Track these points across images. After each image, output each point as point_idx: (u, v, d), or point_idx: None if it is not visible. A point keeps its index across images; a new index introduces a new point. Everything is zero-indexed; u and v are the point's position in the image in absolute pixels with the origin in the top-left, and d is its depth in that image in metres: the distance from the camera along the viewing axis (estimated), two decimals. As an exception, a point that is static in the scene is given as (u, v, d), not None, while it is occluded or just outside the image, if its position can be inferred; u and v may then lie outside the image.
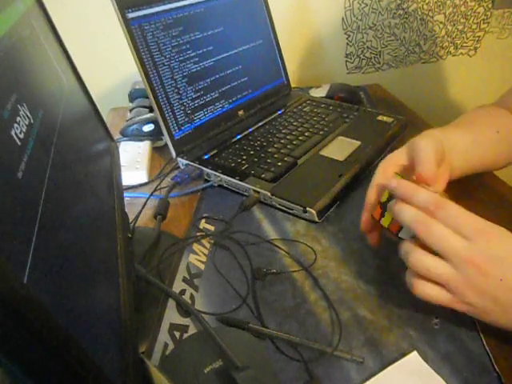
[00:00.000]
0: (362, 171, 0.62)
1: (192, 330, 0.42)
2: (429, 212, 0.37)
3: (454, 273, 0.35)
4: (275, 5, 0.85)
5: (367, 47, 1.09)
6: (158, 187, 0.64)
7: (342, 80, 0.99)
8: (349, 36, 1.06)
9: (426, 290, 0.37)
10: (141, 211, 0.58)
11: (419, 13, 1.07)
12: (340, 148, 0.67)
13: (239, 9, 0.78)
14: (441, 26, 1.10)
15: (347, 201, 0.58)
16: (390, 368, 0.37)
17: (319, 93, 0.90)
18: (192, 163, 0.65)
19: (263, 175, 0.60)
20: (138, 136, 0.75)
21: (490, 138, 0.55)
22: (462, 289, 0.35)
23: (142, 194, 0.63)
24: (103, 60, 0.94)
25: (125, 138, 0.75)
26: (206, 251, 0.52)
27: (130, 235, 0.47)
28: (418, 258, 0.37)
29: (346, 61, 1.10)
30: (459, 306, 0.36)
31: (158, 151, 0.76)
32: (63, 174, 0.30)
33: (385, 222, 0.42)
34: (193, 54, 0.69)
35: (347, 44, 1.07)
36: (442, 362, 0.38)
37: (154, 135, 0.75)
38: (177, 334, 0.42)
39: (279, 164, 0.63)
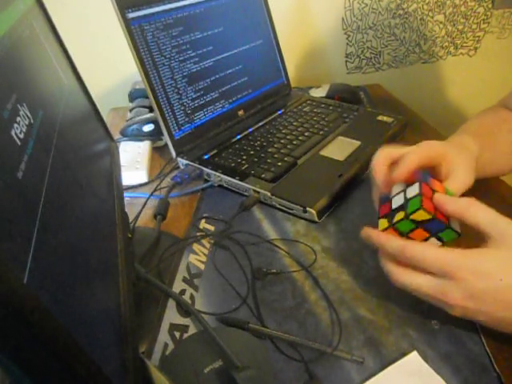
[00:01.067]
0: (361, 171, 0.62)
1: (192, 330, 0.42)
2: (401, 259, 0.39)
3: (441, 304, 0.38)
4: (275, 5, 0.85)
5: (367, 47, 1.09)
6: (158, 187, 0.64)
7: (342, 80, 0.99)
8: (349, 36, 1.06)
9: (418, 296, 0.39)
10: (141, 211, 0.58)
11: (419, 13, 1.06)
12: (340, 148, 0.67)
13: (239, 9, 0.78)
14: (441, 25, 1.10)
15: (347, 201, 0.58)
16: (390, 368, 0.37)
17: (319, 93, 0.90)
18: (192, 163, 0.65)
19: (263, 175, 0.60)
20: (138, 136, 0.75)
21: (505, 150, 0.56)
22: (452, 313, 0.38)
23: (141, 194, 0.63)
24: (103, 60, 0.94)
25: (125, 138, 0.75)
26: (206, 251, 0.52)
27: (130, 235, 0.47)
28: (402, 284, 0.39)
29: (346, 61, 1.10)
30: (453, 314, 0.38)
31: (158, 151, 0.76)
32: (63, 174, 0.30)
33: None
34: (193, 54, 0.69)
35: (347, 44, 1.07)
36: (442, 362, 0.38)
37: (154, 135, 0.75)
38: (177, 334, 0.42)
39: (279, 164, 0.63)
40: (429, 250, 0.37)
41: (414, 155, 0.43)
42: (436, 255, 0.36)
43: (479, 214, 0.37)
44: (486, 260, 0.36)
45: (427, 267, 0.37)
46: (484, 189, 0.60)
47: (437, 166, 0.45)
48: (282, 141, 0.69)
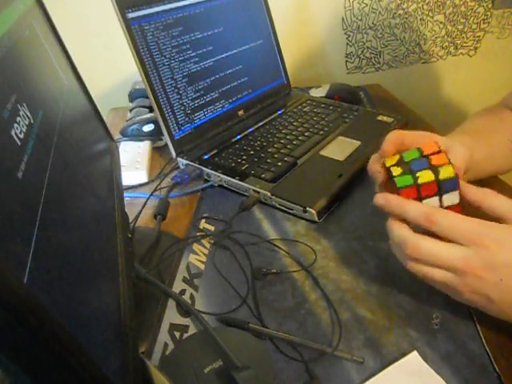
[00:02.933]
0: (361, 171, 0.62)
1: (192, 330, 0.42)
2: (422, 225, 0.37)
3: (452, 277, 0.36)
4: (275, 5, 0.85)
5: (367, 47, 1.09)
6: (158, 187, 0.64)
7: (342, 80, 0.99)
8: (349, 36, 1.06)
9: (433, 285, 0.39)
10: (141, 211, 0.58)
11: (419, 13, 1.06)
12: (340, 148, 0.67)
13: (239, 9, 0.78)
14: (441, 25, 1.10)
15: (347, 201, 0.58)
16: (390, 368, 0.37)
17: (319, 93, 0.90)
18: (192, 163, 0.65)
19: (263, 175, 0.60)
20: (138, 136, 0.75)
21: (503, 149, 0.56)
22: (460, 289, 0.37)
23: (141, 194, 0.63)
24: (103, 60, 0.94)
25: (125, 138, 0.75)
26: (206, 251, 0.52)
27: (130, 235, 0.47)
28: (416, 269, 0.38)
29: (346, 61, 1.10)
30: (460, 300, 0.38)
31: (158, 151, 0.76)
32: (63, 173, 0.30)
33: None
34: (193, 54, 0.69)
35: (347, 44, 1.07)
36: (442, 362, 0.38)
37: (154, 135, 0.75)
38: (177, 334, 0.42)
39: (279, 164, 0.63)
40: (455, 216, 0.36)
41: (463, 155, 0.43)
42: (462, 221, 0.36)
43: (496, 202, 0.37)
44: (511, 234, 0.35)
45: (452, 233, 0.35)
46: (477, 183, 0.60)
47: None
48: (282, 141, 0.69)
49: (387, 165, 0.40)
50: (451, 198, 0.38)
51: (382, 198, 0.40)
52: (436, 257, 0.36)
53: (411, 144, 0.43)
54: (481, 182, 0.60)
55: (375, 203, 0.40)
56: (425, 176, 0.38)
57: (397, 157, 0.40)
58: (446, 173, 0.37)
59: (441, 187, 0.37)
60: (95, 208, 0.36)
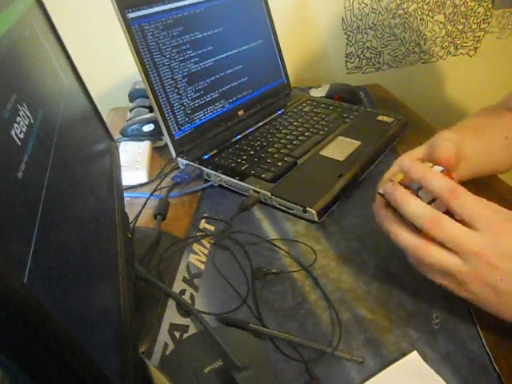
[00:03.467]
0: (361, 171, 0.62)
1: (192, 330, 0.42)
2: (443, 198, 0.36)
3: (462, 265, 0.35)
4: (275, 5, 0.85)
5: (367, 47, 1.09)
6: (158, 187, 0.64)
7: (342, 80, 0.99)
8: (349, 36, 1.06)
9: (433, 277, 0.38)
10: (141, 211, 0.58)
11: (419, 13, 1.06)
12: (340, 148, 0.67)
13: (239, 9, 0.78)
14: (441, 25, 1.10)
15: (347, 201, 0.58)
16: (390, 368, 0.37)
17: (319, 93, 0.90)
18: (192, 163, 0.65)
19: (263, 175, 0.60)
20: (138, 136, 0.75)
21: (499, 145, 0.55)
22: (468, 279, 0.35)
23: (141, 194, 0.63)
24: (103, 60, 0.94)
25: (125, 138, 0.75)
26: (206, 251, 0.52)
27: (130, 235, 0.47)
28: (426, 253, 0.37)
29: (346, 61, 1.10)
30: (462, 293, 0.37)
31: (158, 151, 0.76)
32: (63, 173, 0.30)
33: None
34: (193, 54, 0.69)
35: (347, 44, 1.07)
36: (442, 362, 0.38)
37: (154, 135, 0.75)
38: (177, 334, 0.42)
39: (279, 164, 0.63)
40: (477, 199, 0.35)
41: (449, 143, 0.44)
42: (485, 206, 0.35)
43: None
44: None
45: (472, 215, 0.35)
46: (483, 188, 0.60)
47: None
48: (282, 141, 0.69)
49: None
50: None
51: (408, 163, 0.39)
52: (454, 237, 0.35)
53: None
54: (480, 183, 0.61)
55: (402, 167, 0.40)
56: None
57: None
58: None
59: None
60: (95, 208, 0.36)
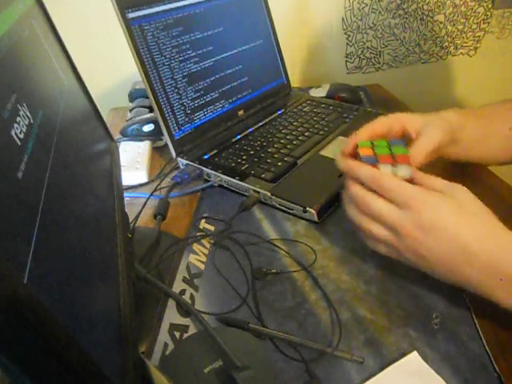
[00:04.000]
0: (361, 171, 0.62)
1: (192, 330, 0.42)
2: (368, 185, 0.42)
3: (391, 236, 0.41)
4: (275, 5, 0.84)
5: (367, 47, 1.09)
6: (158, 187, 0.64)
7: (342, 80, 0.99)
8: (349, 36, 1.06)
9: (376, 247, 0.44)
10: (141, 211, 0.58)
11: (419, 13, 1.06)
12: (340, 148, 0.66)
13: (239, 9, 0.78)
14: (441, 25, 1.10)
15: (347, 201, 0.58)
16: (390, 368, 0.37)
17: (319, 93, 0.90)
18: (192, 163, 0.65)
19: (263, 175, 0.60)
20: (138, 136, 0.75)
21: (500, 134, 0.57)
22: (398, 248, 0.41)
23: (141, 194, 0.63)
24: (103, 60, 0.94)
25: (125, 138, 0.75)
26: (206, 251, 0.52)
27: (130, 235, 0.47)
28: (365, 227, 0.43)
29: (346, 61, 1.10)
30: (401, 259, 0.42)
31: (158, 151, 0.76)
32: (63, 174, 0.30)
33: None
34: (193, 54, 0.69)
35: (347, 44, 1.07)
36: (442, 362, 0.38)
37: (154, 135, 0.75)
38: (177, 334, 0.42)
39: (279, 164, 0.63)
40: (397, 181, 0.41)
41: (431, 139, 0.49)
42: (402, 186, 0.40)
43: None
44: (444, 200, 0.39)
45: (391, 194, 0.40)
46: (484, 188, 0.60)
47: (405, 133, 0.50)
48: (282, 141, 0.69)
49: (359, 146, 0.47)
50: (403, 171, 0.43)
51: (343, 163, 0.46)
52: (379, 213, 0.41)
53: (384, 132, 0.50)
54: (481, 183, 0.61)
55: (338, 165, 0.47)
56: (382, 150, 0.45)
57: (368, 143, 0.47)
58: (399, 151, 0.45)
59: (395, 160, 0.44)
60: (95, 208, 0.36)
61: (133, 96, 0.86)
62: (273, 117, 0.78)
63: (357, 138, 0.48)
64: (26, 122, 0.25)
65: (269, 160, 0.64)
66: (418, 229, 0.38)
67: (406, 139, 0.49)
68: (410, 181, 0.42)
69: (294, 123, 0.75)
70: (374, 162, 0.44)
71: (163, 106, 0.65)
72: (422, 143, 0.48)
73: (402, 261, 0.42)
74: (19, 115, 0.24)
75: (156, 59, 0.64)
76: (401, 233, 0.39)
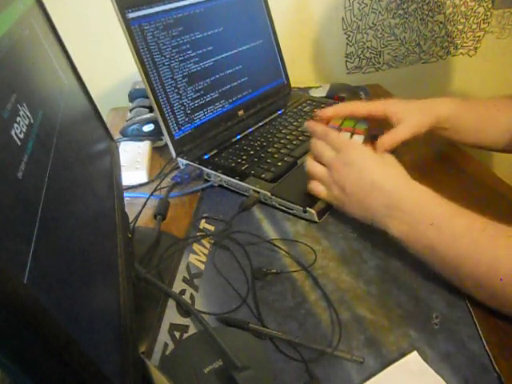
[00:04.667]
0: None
1: (192, 330, 0.42)
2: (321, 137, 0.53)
3: (326, 173, 0.51)
4: (275, 5, 0.84)
5: (367, 47, 1.09)
6: (158, 187, 0.64)
7: (342, 80, 0.99)
8: (349, 36, 1.06)
9: (315, 188, 0.53)
10: (141, 211, 0.58)
11: (419, 13, 1.06)
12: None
13: (239, 9, 0.78)
14: (441, 26, 1.10)
15: (347, 201, 0.58)
16: (390, 368, 0.37)
17: (319, 93, 0.90)
18: (192, 163, 0.65)
19: (263, 175, 0.60)
20: (138, 136, 0.75)
21: (500, 123, 0.59)
22: (329, 184, 0.51)
23: (141, 194, 0.63)
24: (103, 60, 0.94)
25: (125, 138, 0.75)
26: (206, 251, 0.52)
27: (130, 235, 0.47)
28: (310, 165, 0.54)
29: (346, 61, 1.10)
30: (332, 200, 0.52)
31: (158, 151, 0.76)
32: (63, 174, 0.30)
33: None
34: (193, 54, 0.69)
35: (347, 44, 1.07)
36: (442, 362, 0.38)
37: (154, 135, 0.75)
38: (177, 334, 0.42)
39: (279, 164, 0.63)
40: (337, 134, 0.53)
41: (407, 131, 0.56)
42: (339, 138, 0.52)
43: None
44: (370, 151, 0.50)
45: (330, 142, 0.52)
46: (484, 188, 0.60)
47: (388, 118, 0.57)
48: (282, 141, 0.69)
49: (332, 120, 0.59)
50: (357, 138, 0.54)
51: (308, 122, 0.57)
52: (321, 154, 0.52)
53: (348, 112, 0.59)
54: (481, 183, 0.61)
55: (305, 125, 0.58)
56: (348, 123, 0.57)
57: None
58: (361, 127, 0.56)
59: (353, 132, 0.55)
60: (95, 208, 0.36)
61: (133, 96, 0.86)
62: (273, 117, 0.78)
63: (334, 110, 0.58)
64: (26, 122, 0.25)
65: (269, 160, 0.64)
66: (344, 165, 0.49)
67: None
68: None
69: (294, 123, 0.75)
70: (337, 129, 0.55)
71: (163, 106, 0.65)
72: (395, 132, 0.55)
73: (334, 204, 0.52)
74: (19, 115, 0.24)
75: (156, 59, 0.64)
76: (332, 168, 0.50)
